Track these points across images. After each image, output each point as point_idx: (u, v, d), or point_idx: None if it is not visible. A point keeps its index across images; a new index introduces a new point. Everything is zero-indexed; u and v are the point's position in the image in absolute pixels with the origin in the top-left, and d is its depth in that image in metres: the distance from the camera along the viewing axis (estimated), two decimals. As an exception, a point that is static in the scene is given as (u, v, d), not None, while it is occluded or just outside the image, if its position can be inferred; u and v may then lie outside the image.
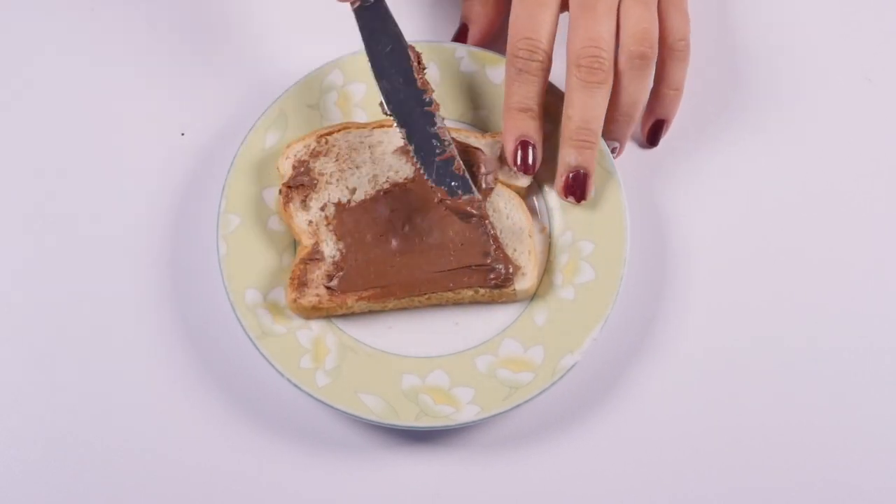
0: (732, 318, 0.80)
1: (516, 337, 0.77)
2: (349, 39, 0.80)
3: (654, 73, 0.80)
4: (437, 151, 0.77)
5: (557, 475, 0.77)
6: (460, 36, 0.85)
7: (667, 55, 0.80)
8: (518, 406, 0.74)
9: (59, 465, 0.77)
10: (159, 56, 0.86)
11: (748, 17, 0.88)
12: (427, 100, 0.78)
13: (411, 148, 0.77)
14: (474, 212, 0.77)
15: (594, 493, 0.76)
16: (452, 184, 0.77)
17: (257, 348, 0.75)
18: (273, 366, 0.75)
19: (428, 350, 0.77)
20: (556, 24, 0.78)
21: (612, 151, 0.81)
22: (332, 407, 0.74)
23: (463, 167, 0.77)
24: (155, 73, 0.86)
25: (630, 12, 0.78)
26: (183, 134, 0.84)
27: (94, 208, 0.82)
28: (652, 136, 0.83)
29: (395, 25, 0.79)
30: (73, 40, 0.87)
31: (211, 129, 0.84)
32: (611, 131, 0.80)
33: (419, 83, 0.78)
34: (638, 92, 0.79)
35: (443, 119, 0.78)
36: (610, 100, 0.79)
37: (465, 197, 0.77)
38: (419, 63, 0.78)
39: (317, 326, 0.77)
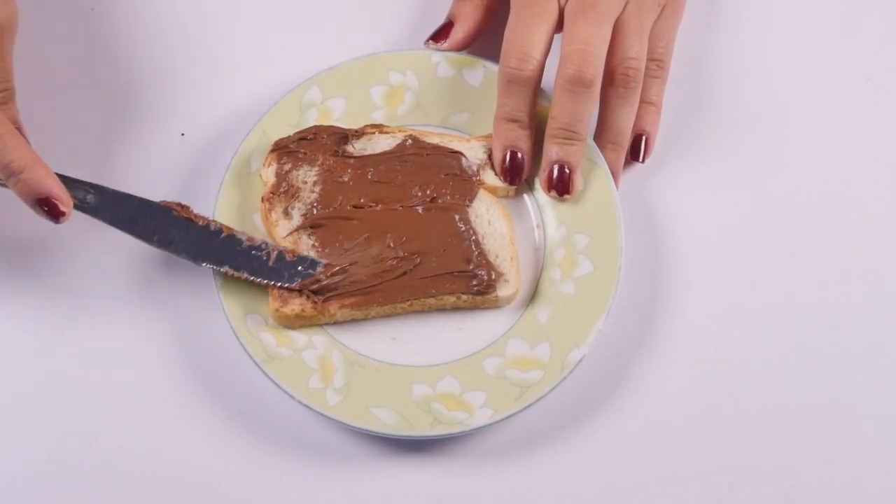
0: (733, 306, 0.80)
1: (521, 336, 0.77)
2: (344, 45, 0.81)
3: (638, 101, 0.80)
4: (264, 258, 0.77)
5: (569, 475, 0.76)
6: (442, 32, 0.83)
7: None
8: (530, 405, 0.74)
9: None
10: (159, 56, 0.86)
11: (748, 17, 0.88)
12: (216, 228, 0.77)
13: (245, 277, 0.76)
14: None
15: (607, 492, 0.76)
16: (300, 269, 0.77)
17: (265, 373, 0.75)
18: (282, 389, 0.74)
19: (435, 358, 0.77)
20: (551, 40, 0.78)
21: None
22: (346, 424, 0.74)
23: (292, 249, 0.77)
24: (155, 72, 0.85)
25: (624, 41, 0.78)
26: (183, 134, 0.84)
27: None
28: (634, 150, 0.82)
29: (130, 196, 0.77)
30: (73, 40, 0.86)
31: (211, 129, 0.84)
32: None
33: (198, 221, 0.77)
34: (623, 119, 0.80)
35: (237, 230, 0.78)
36: (598, 127, 0.80)
37: (319, 270, 0.77)
38: (182, 207, 0.78)
39: (321, 345, 0.77)
